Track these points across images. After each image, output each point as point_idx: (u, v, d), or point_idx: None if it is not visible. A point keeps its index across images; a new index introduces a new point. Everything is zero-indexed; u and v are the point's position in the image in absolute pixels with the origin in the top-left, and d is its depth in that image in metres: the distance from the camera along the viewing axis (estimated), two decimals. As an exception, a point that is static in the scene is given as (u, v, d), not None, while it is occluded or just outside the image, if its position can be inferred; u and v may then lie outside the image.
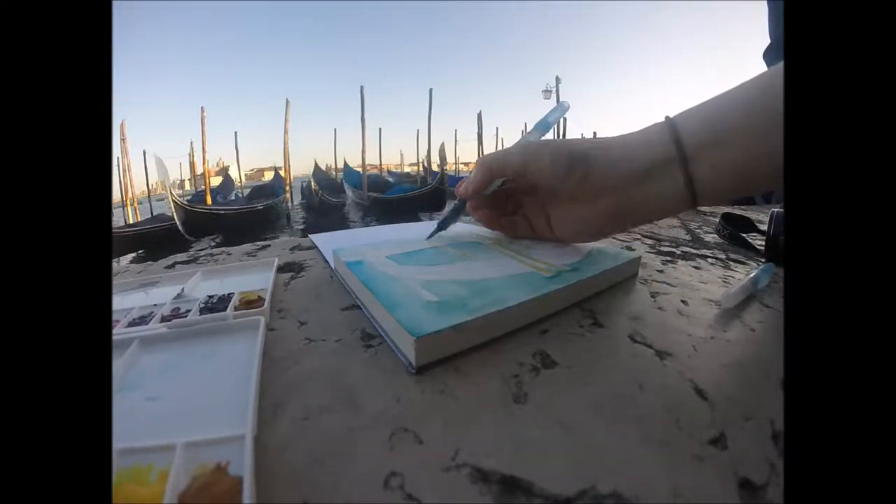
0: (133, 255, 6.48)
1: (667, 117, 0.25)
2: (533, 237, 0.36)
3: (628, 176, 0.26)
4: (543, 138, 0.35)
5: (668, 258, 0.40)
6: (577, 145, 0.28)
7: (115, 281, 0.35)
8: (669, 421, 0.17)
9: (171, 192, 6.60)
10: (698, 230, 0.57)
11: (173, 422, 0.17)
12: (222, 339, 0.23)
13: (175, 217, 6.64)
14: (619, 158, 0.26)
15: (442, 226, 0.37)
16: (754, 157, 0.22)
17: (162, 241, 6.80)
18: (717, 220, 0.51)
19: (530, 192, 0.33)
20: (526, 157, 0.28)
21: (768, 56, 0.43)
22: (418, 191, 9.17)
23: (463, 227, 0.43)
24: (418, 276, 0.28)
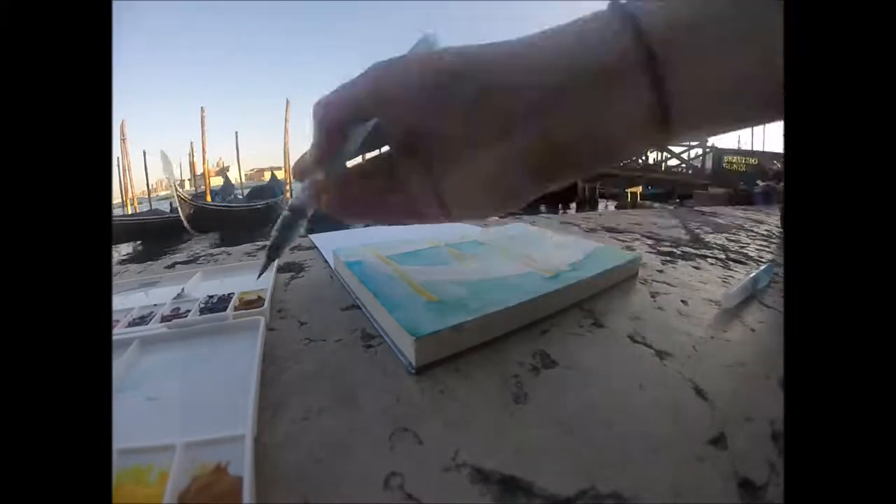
0: (131, 245, 6.49)
1: (612, 3, 0.17)
2: (417, 221, 0.23)
3: (558, 89, 0.17)
4: None
5: (668, 258, 0.40)
6: (457, 52, 0.18)
7: (115, 281, 0.35)
8: (669, 421, 0.17)
9: (176, 188, 6.61)
10: (698, 230, 0.57)
11: (173, 422, 0.17)
12: (222, 339, 0.23)
13: (180, 212, 6.64)
14: (539, 63, 0.17)
15: (272, 255, 0.22)
16: (749, 66, 0.15)
17: (164, 231, 6.83)
18: (719, 218, 0.51)
19: (406, 152, 0.21)
20: (377, 82, 0.18)
21: None
22: None
23: (460, 227, 0.43)
24: (418, 276, 0.28)
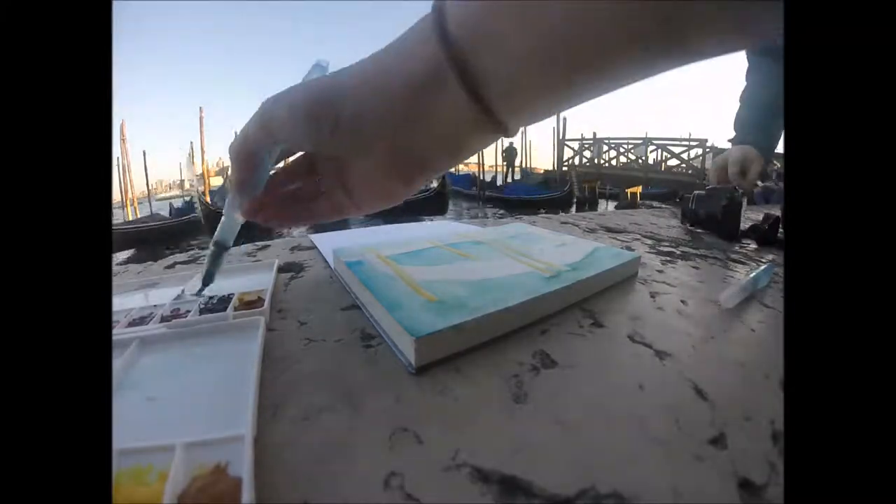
0: (128, 252, 6.63)
1: (434, 6, 0.17)
2: (340, 216, 0.26)
3: (387, 110, 0.18)
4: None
5: (668, 258, 0.40)
6: (319, 83, 0.20)
7: (116, 281, 0.35)
8: (669, 421, 0.17)
9: (198, 190, 7.34)
10: (698, 230, 0.57)
11: (173, 422, 0.17)
12: (222, 339, 0.23)
13: (200, 213, 7.26)
14: (377, 83, 0.18)
15: (207, 282, 0.28)
16: (554, 26, 0.15)
17: (160, 238, 7.20)
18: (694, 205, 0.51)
19: (316, 164, 0.25)
20: (262, 117, 0.21)
21: None
22: (419, 195, 9.16)
23: (459, 227, 0.43)
24: (418, 276, 0.28)
